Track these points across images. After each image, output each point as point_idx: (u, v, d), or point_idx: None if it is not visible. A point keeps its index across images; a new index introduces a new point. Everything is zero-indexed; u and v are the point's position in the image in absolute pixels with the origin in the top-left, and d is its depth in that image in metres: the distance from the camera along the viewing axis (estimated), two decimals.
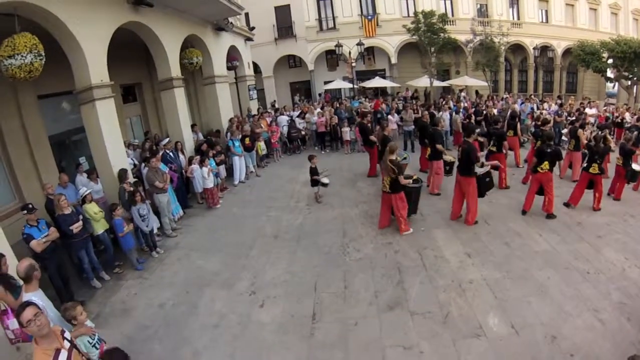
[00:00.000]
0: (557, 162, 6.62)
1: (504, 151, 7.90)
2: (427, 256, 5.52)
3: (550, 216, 6.51)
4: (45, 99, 7.53)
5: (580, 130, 8.15)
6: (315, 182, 7.80)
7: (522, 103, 13.74)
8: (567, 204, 6.94)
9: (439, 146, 7.61)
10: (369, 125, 10.03)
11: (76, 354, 2.70)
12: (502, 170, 7.83)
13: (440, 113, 12.14)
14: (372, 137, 9.10)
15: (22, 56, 4.45)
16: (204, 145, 8.43)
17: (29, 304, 2.54)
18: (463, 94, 16.33)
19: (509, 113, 9.94)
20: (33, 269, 3.34)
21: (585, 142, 7.93)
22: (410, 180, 6.35)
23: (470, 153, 6.07)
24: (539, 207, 6.75)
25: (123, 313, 4.73)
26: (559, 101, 14.67)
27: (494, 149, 7.96)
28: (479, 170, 6.33)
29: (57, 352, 2.52)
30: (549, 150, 6.42)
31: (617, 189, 7.28)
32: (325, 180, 7.81)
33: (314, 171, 7.79)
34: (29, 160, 6.97)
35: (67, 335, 2.75)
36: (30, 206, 4.72)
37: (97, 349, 3.03)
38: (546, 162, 6.41)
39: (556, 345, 3.74)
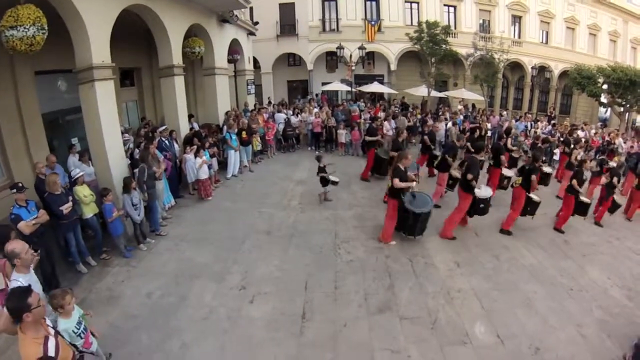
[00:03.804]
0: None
1: (502, 166, 7.98)
2: (418, 263, 5.58)
3: (503, 231, 6.65)
4: (42, 75, 7.33)
5: (575, 151, 8.36)
6: (325, 182, 7.75)
7: (518, 120, 14.02)
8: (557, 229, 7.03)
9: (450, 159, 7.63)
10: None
11: (62, 340, 2.64)
12: (494, 187, 7.91)
13: (436, 123, 12.32)
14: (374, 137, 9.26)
15: (24, 28, 4.32)
16: (195, 139, 8.23)
17: (30, 289, 2.45)
18: (460, 107, 16.53)
19: (504, 129, 10.14)
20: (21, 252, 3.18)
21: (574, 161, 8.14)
22: (414, 184, 5.91)
23: (471, 167, 6.12)
24: (528, 224, 6.90)
25: (109, 301, 4.63)
26: (551, 121, 15.01)
27: (491, 162, 8.07)
28: (480, 194, 6.38)
29: (46, 339, 2.45)
30: (527, 167, 6.62)
31: (600, 211, 7.44)
32: (334, 178, 7.77)
33: (322, 170, 7.72)
34: (20, 137, 6.76)
35: (49, 322, 2.67)
36: (20, 185, 4.51)
37: (81, 338, 2.95)
38: (520, 178, 6.59)
39: (539, 357, 3.84)
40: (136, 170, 6.26)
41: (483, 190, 6.60)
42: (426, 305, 4.60)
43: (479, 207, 6.43)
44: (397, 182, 5.62)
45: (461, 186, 6.37)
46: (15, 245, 3.16)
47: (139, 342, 3.91)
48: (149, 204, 6.27)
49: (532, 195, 6.63)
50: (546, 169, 8.39)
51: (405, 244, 6.12)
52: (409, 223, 6.04)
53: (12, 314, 2.40)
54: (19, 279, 3.03)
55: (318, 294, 4.78)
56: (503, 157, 7.88)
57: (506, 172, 7.87)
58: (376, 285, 4.99)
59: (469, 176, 6.04)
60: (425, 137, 9.45)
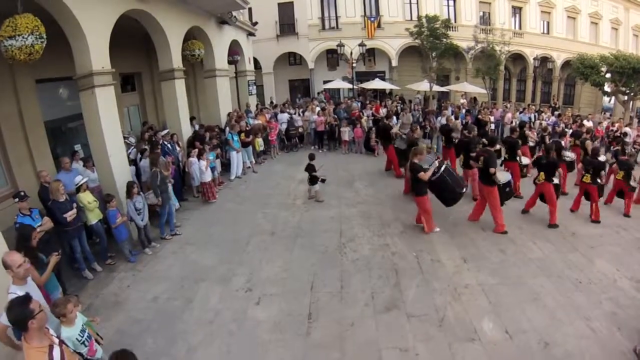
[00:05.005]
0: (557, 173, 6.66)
1: (518, 159, 7.89)
2: (424, 259, 5.54)
3: (551, 226, 6.56)
4: (43, 84, 7.37)
5: (588, 142, 8.25)
6: (314, 180, 7.73)
7: (521, 112, 13.90)
8: (572, 210, 7.12)
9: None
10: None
11: (67, 349, 2.64)
12: (516, 179, 7.77)
13: (439, 118, 12.25)
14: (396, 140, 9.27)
15: (23, 37, 4.33)
16: (197, 143, 8.24)
17: (29, 296, 2.44)
18: (463, 100, 16.41)
19: (517, 123, 9.99)
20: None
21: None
22: (432, 170, 6.12)
23: (489, 161, 6.11)
24: (535, 217, 6.83)
25: (115, 305, 4.65)
26: (555, 112, 14.86)
27: (507, 156, 7.95)
28: (501, 179, 6.35)
29: (51, 348, 2.45)
30: (544, 161, 6.51)
31: (626, 204, 7.31)
32: (323, 176, 7.77)
33: (312, 168, 7.71)
34: (23, 145, 6.81)
35: (52, 331, 2.67)
36: (23, 193, 4.54)
37: (86, 346, 2.93)
38: (542, 173, 6.48)
39: (548, 352, 3.79)
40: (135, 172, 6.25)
41: (503, 176, 6.55)
42: (433, 302, 4.56)
43: (505, 191, 6.47)
44: (424, 175, 5.97)
45: (482, 180, 6.36)
46: (7, 258, 3.08)
47: (145, 346, 3.91)
48: (161, 208, 6.29)
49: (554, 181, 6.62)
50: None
51: (410, 240, 6.09)
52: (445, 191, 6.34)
53: (16, 325, 2.39)
54: (16, 292, 2.96)
55: (324, 294, 4.76)
56: (520, 152, 7.81)
57: (524, 160, 7.86)
58: (382, 283, 4.96)
59: (492, 170, 6.05)
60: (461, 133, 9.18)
